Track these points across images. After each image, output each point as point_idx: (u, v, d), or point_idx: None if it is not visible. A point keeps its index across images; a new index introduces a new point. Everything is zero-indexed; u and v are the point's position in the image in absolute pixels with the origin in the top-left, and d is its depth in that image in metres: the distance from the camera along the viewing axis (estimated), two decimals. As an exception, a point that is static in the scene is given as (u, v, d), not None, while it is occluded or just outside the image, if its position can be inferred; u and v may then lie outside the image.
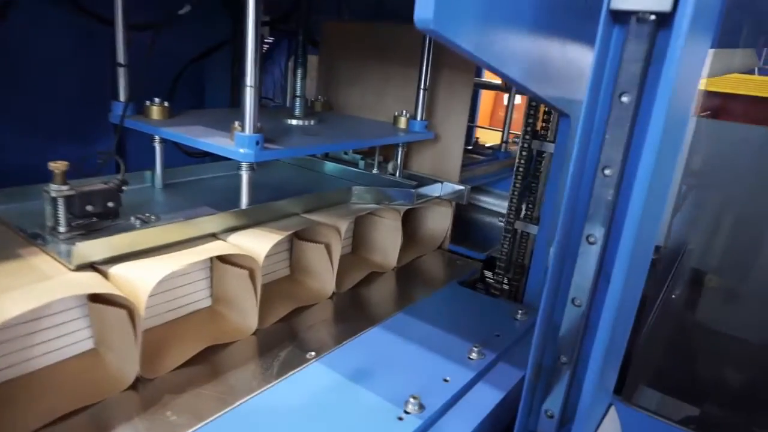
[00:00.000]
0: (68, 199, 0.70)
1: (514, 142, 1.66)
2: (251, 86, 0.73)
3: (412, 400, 0.63)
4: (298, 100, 1.05)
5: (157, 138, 0.95)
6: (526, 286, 0.98)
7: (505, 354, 0.79)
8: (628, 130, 0.50)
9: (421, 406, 0.64)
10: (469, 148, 1.72)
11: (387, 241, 1.02)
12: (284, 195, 0.91)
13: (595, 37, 0.50)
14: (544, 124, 0.96)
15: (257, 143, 0.75)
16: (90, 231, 0.73)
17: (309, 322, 0.82)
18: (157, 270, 0.64)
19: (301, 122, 1.03)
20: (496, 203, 1.48)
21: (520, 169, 0.98)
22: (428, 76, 1.07)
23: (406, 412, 0.63)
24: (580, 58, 0.79)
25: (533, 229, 0.99)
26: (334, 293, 0.90)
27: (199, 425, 0.58)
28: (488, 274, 1.08)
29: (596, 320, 0.55)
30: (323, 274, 0.88)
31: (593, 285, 0.55)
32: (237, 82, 1.44)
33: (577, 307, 0.56)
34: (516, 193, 0.98)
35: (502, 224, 1.03)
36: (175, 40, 1.16)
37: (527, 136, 0.97)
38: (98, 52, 1.30)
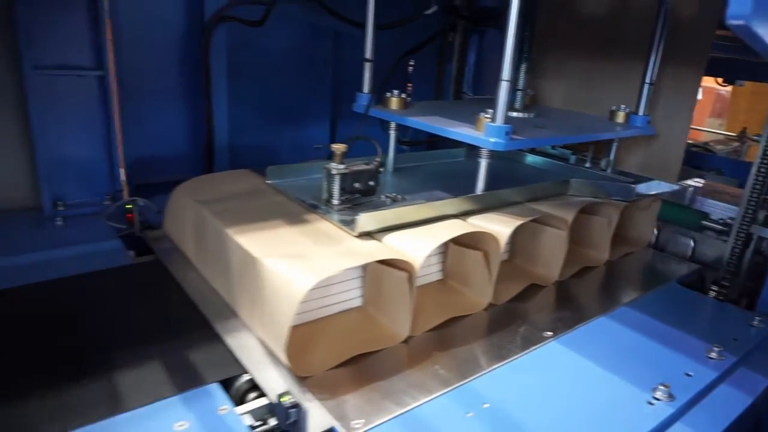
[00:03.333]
0: (343, 176, 0.82)
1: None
2: (507, 80, 0.78)
3: (662, 387, 0.65)
4: (519, 93, 1.09)
5: (392, 125, 1.06)
6: (762, 293, 0.92)
7: (747, 359, 0.77)
8: None
9: (671, 396, 0.65)
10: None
11: (600, 236, 1.03)
12: (494, 184, 0.95)
13: None
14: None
15: (507, 133, 0.81)
16: (354, 205, 0.85)
17: (536, 305, 0.86)
18: (427, 241, 0.73)
19: (522, 114, 1.08)
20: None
21: (762, 170, 0.92)
22: (656, 69, 1.04)
23: (656, 399, 0.65)
24: None
25: (772, 234, 0.93)
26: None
27: (465, 381, 0.66)
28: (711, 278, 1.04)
29: None
30: (550, 260, 0.92)
31: None
32: (442, 76, 1.52)
33: None
34: (755, 195, 0.93)
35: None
36: (387, 35, 1.26)
37: (773, 136, 0.91)
38: (321, 49, 1.47)
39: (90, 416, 0.56)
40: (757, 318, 0.85)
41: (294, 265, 0.65)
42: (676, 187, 1.08)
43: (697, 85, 1.07)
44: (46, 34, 0.99)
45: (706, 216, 1.10)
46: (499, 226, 0.82)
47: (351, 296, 0.79)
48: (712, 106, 3.88)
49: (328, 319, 0.76)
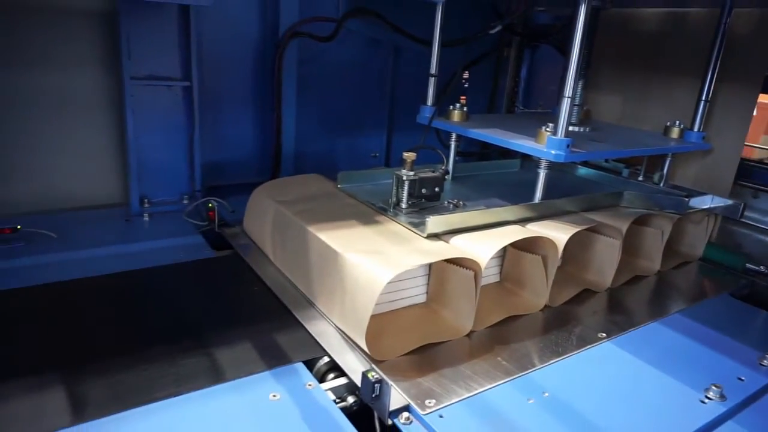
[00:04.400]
0: (412, 182, 0.89)
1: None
2: (569, 97, 0.84)
3: (714, 388, 0.69)
4: (575, 108, 1.14)
5: (453, 137, 1.12)
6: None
7: (800, 368, 0.79)
8: None
9: (723, 396, 0.69)
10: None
11: (653, 246, 1.07)
12: (548, 194, 0.99)
13: None
14: None
15: (567, 146, 0.86)
16: (419, 209, 0.92)
17: (590, 309, 0.91)
18: (492, 243, 0.79)
19: (578, 128, 1.13)
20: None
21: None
22: (712, 87, 1.08)
23: (708, 398, 0.69)
24: None
25: (825, 250, 0.95)
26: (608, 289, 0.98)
27: (525, 372, 0.71)
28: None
29: None
30: (603, 268, 0.97)
31: None
32: (496, 90, 1.58)
33: None
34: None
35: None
36: (447, 51, 1.33)
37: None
38: (381, 63, 1.55)
39: (198, 383, 0.64)
40: (811, 331, 0.88)
41: (374, 259, 0.72)
42: (729, 202, 1.10)
43: (754, 101, 1.10)
44: (144, 48, 1.11)
45: (749, 259, 1.12)
46: (558, 233, 0.88)
47: (417, 292, 0.85)
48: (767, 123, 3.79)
49: (397, 312, 0.82)
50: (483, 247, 0.79)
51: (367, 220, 0.88)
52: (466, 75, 1.64)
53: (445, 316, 0.82)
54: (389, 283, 0.69)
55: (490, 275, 0.95)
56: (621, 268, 1.01)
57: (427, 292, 0.86)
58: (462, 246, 0.81)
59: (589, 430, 0.62)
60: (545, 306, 0.90)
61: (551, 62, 1.69)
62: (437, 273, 0.84)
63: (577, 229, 0.89)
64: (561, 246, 0.86)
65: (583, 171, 1.32)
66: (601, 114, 1.38)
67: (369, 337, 0.72)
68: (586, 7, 0.80)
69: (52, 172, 1.13)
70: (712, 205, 1.11)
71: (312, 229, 0.83)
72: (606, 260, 0.97)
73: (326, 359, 0.72)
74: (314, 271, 0.83)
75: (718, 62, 1.07)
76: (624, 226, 0.96)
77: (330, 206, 0.94)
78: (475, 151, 1.58)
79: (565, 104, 0.84)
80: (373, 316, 0.78)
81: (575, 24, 0.81)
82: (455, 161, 1.18)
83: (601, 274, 0.98)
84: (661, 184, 1.17)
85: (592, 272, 1.00)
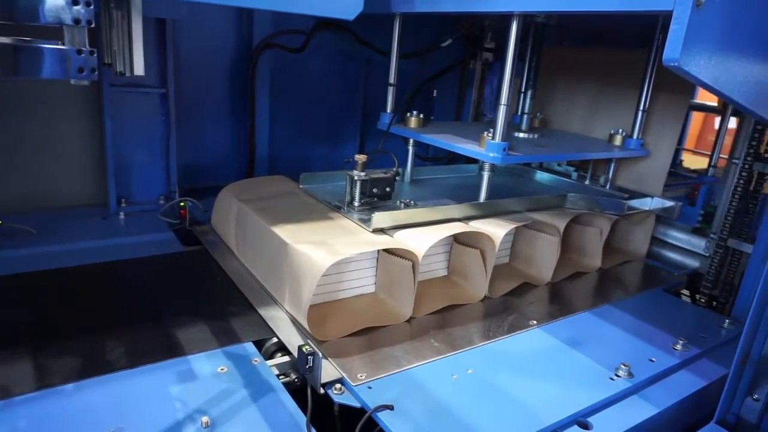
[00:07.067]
0: (363, 182, 0.97)
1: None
2: (505, 104, 0.92)
3: (623, 366, 0.77)
4: (525, 116, 1.23)
5: (411, 141, 1.20)
6: (735, 302, 1.02)
7: (710, 352, 0.87)
8: None
9: (631, 374, 0.76)
10: (672, 170, 1.73)
11: (593, 245, 1.14)
12: (504, 196, 1.08)
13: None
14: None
15: (504, 149, 0.94)
16: (372, 207, 1.00)
17: (527, 300, 0.98)
18: (429, 236, 0.87)
19: (526, 135, 1.21)
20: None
21: (738, 189, 1.03)
22: (648, 98, 1.16)
23: (617, 375, 0.76)
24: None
25: (747, 248, 1.03)
26: (549, 283, 1.06)
27: (454, 352, 0.79)
28: (693, 288, 1.14)
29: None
30: (544, 263, 1.04)
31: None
32: (462, 100, 1.67)
33: (792, 303, 0.64)
34: (732, 211, 1.03)
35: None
36: (412, 63, 1.40)
37: (749, 158, 1.02)
38: (354, 73, 1.64)
39: (153, 358, 0.71)
40: (728, 321, 0.95)
41: (318, 248, 0.80)
42: (668, 203, 1.18)
43: (684, 110, 1.19)
44: (122, 57, 1.18)
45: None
46: (495, 229, 0.95)
47: (365, 283, 0.92)
48: None
49: (345, 300, 0.90)
50: (421, 240, 0.86)
51: (320, 216, 0.95)
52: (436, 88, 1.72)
53: (388, 303, 0.90)
54: (332, 273, 0.76)
55: (438, 269, 1.02)
56: (563, 264, 1.09)
57: (375, 283, 0.94)
58: (403, 239, 0.88)
59: (504, 400, 0.70)
60: (486, 297, 0.97)
61: (520, 73, 1.77)
62: (383, 264, 0.91)
63: (513, 226, 0.97)
64: (497, 241, 0.94)
65: (539, 175, 1.40)
66: (562, 123, 1.46)
67: (315, 321, 0.79)
68: (517, 22, 0.88)
69: (34, 173, 1.20)
70: (651, 207, 1.19)
71: (268, 224, 0.91)
72: (546, 256, 1.05)
73: (274, 340, 0.79)
74: (269, 261, 0.90)
75: (653, 75, 1.15)
76: (562, 225, 1.04)
77: (289, 204, 1.01)
78: (442, 156, 1.66)
79: (502, 111, 0.92)
80: (322, 304, 0.86)
81: (507, 38, 0.89)
82: (416, 165, 1.26)
83: (542, 269, 1.06)
84: (607, 187, 1.25)
85: (534, 267, 1.07)
